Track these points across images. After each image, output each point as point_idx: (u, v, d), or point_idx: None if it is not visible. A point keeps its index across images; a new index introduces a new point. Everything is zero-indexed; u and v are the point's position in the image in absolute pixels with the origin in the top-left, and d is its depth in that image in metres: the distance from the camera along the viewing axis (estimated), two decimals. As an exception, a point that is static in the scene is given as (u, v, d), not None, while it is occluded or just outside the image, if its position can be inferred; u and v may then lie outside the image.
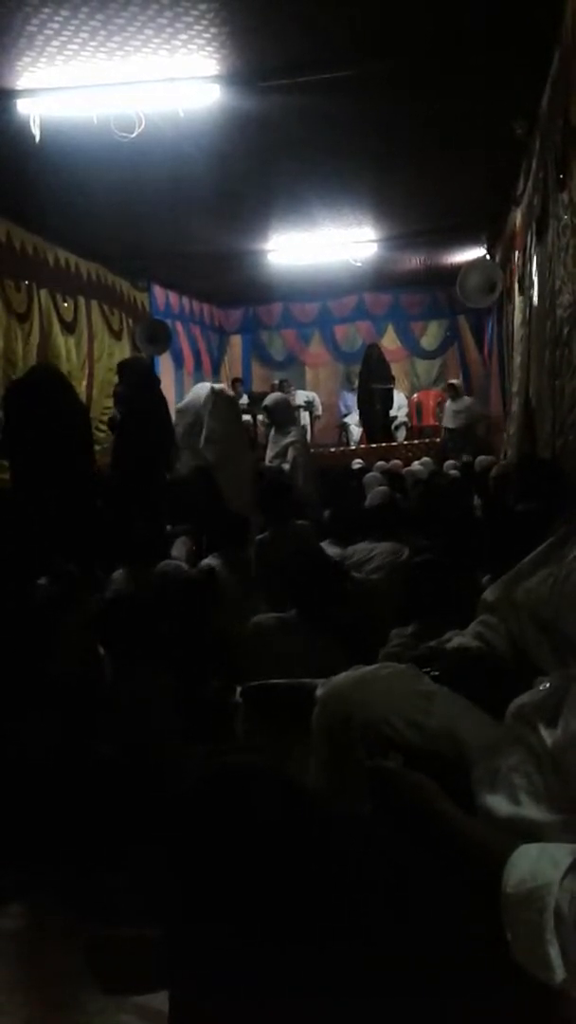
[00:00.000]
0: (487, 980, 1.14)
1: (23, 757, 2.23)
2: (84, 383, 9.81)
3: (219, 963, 1.18)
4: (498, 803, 1.34)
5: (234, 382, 14.73)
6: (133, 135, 5.84)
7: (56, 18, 4.74)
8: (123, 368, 7.22)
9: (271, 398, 8.50)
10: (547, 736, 1.35)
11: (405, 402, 14.42)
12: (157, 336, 11.38)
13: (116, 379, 7.35)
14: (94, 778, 2.16)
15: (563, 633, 1.57)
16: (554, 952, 1.08)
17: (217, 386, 7.35)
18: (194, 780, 1.30)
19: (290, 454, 7.73)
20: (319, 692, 1.66)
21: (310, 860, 1.19)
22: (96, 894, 1.83)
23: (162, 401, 7.04)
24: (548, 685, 1.45)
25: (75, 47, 5.12)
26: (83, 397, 8.67)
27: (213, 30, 5.02)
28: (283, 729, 1.85)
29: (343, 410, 15.04)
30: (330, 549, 4.70)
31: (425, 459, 10.98)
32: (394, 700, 1.57)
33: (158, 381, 7.77)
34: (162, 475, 6.66)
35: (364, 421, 13.80)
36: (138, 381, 6.92)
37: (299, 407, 12.59)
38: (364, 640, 3.19)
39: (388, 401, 13.70)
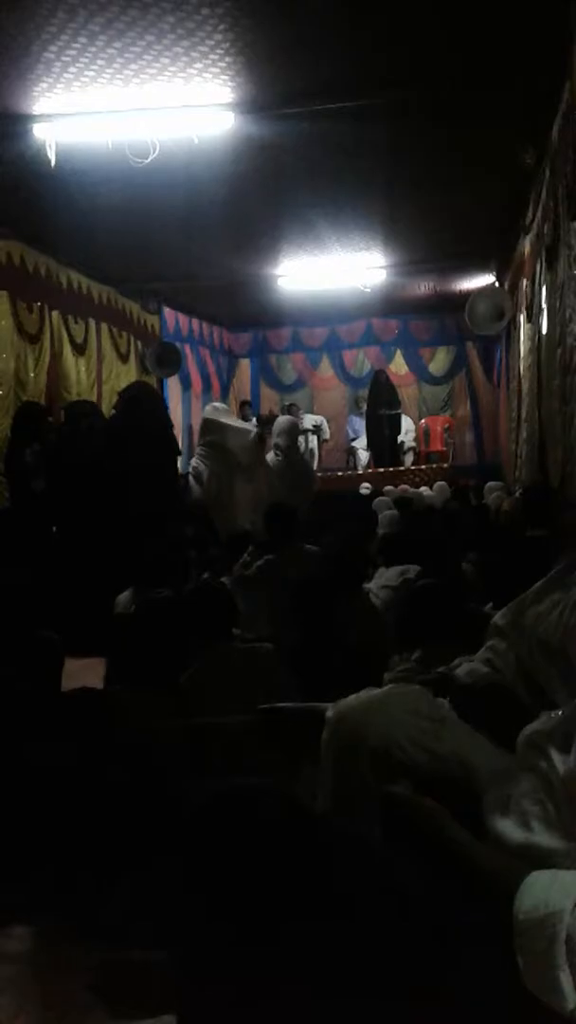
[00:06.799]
0: (498, 1006, 1.14)
1: (29, 778, 2.23)
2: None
3: (227, 987, 1.18)
4: (509, 829, 1.34)
5: (243, 405, 14.75)
6: (147, 161, 5.90)
7: (74, 45, 4.81)
8: (125, 394, 7.12)
9: (280, 422, 8.51)
10: (559, 763, 1.35)
11: (413, 427, 14.43)
12: (167, 358, 11.42)
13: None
14: (100, 800, 2.15)
15: (571, 660, 1.57)
16: (565, 979, 1.07)
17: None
18: (203, 802, 1.30)
19: None
20: (329, 713, 1.66)
21: (319, 883, 1.19)
22: (103, 917, 1.82)
23: (165, 422, 6.99)
24: (560, 712, 1.45)
25: (92, 74, 5.19)
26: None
27: (228, 59, 5.08)
28: (294, 752, 1.85)
29: (351, 434, 15.06)
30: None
31: (440, 483, 10.98)
32: (404, 723, 1.57)
33: (163, 405, 7.71)
34: (171, 497, 6.61)
35: (372, 446, 13.81)
36: (142, 405, 6.82)
37: (307, 431, 12.60)
38: (361, 663, 3.16)
39: (396, 426, 13.70)
